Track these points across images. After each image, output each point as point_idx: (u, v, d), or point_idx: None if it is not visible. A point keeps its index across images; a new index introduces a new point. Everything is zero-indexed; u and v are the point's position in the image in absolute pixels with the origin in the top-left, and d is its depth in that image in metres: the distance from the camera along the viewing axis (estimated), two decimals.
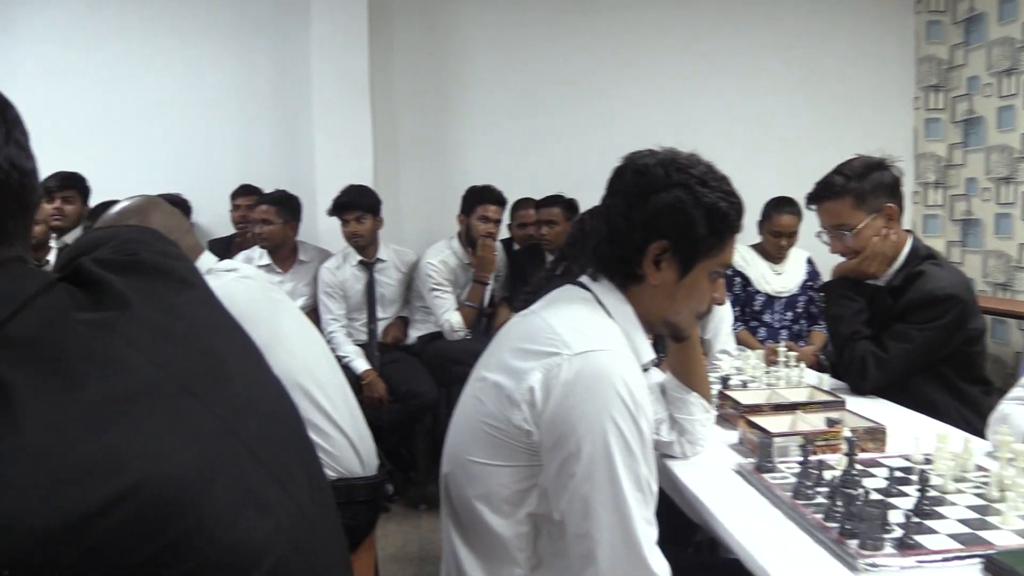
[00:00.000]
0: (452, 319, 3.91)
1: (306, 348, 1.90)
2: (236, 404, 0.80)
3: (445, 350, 3.89)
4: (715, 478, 1.64)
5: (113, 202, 3.00)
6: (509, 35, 4.97)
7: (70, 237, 3.88)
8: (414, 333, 4.11)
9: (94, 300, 0.77)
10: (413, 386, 3.78)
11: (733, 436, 1.89)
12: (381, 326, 4.07)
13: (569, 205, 4.10)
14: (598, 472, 1.20)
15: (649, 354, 1.43)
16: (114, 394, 0.68)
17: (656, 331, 1.49)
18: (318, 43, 4.46)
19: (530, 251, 4.26)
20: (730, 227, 1.41)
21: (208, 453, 0.73)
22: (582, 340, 1.27)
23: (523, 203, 4.46)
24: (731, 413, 1.98)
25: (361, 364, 3.84)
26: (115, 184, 4.10)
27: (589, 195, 4.15)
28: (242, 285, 1.80)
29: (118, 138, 4.72)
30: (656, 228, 1.38)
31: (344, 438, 1.91)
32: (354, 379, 3.70)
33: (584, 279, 1.48)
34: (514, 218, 4.48)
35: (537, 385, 1.25)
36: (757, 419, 1.80)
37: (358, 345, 3.94)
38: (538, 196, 4.32)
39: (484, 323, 4.13)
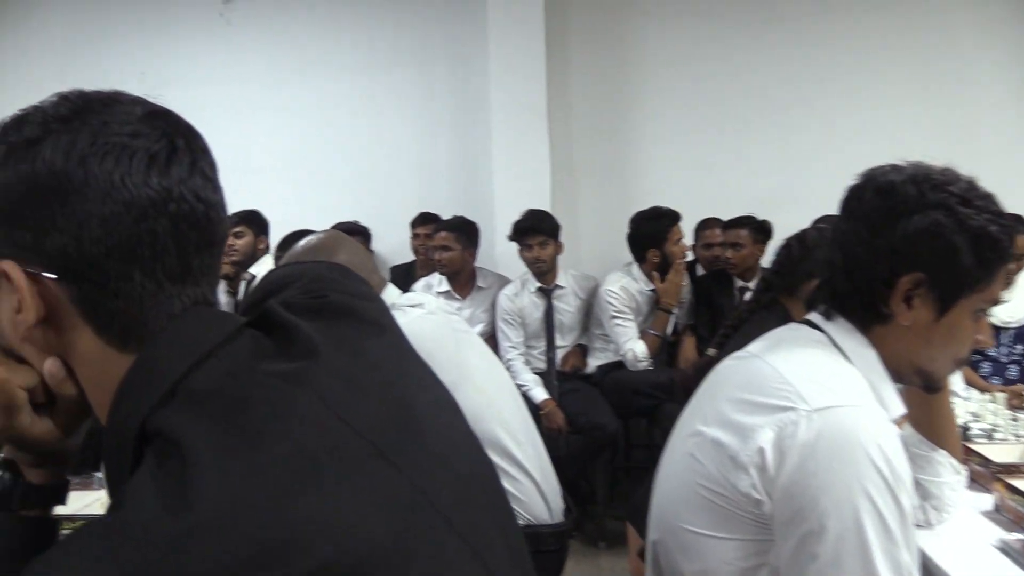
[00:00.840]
0: (636, 348, 3.72)
1: (492, 384, 1.80)
2: (431, 466, 0.70)
3: (627, 380, 3.71)
4: (972, 555, 1.38)
5: (303, 232, 3.05)
6: (691, 50, 4.75)
7: (257, 268, 4.01)
8: (593, 362, 3.96)
9: (282, 348, 0.71)
10: (593, 417, 3.63)
11: (984, 500, 1.60)
12: (560, 354, 3.95)
13: (760, 227, 3.82)
14: (848, 557, 1.00)
15: (899, 409, 1.19)
16: (299, 457, 0.61)
17: (905, 381, 1.25)
18: (496, 68, 4.43)
19: (716, 276, 4.01)
20: (1001, 255, 1.16)
21: (402, 527, 0.63)
22: (822, 393, 1.07)
23: (709, 223, 4.23)
24: (979, 472, 1.68)
25: (540, 393, 3.73)
26: (296, 215, 4.25)
27: (781, 216, 3.93)
28: (428, 322, 1.72)
29: (299, 170, 4.90)
30: (908, 258, 1.15)
31: (531, 482, 1.79)
32: (532, 408, 3.59)
33: (814, 317, 1.26)
34: (699, 238, 4.27)
35: (768, 446, 1.05)
36: (1017, 482, 1.51)
37: (536, 373, 3.84)
38: (724, 217, 4.07)
39: (667, 353, 3.92)
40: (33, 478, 0.81)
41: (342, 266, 1.01)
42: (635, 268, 3.89)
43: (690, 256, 4.21)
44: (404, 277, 4.31)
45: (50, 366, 0.70)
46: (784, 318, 1.86)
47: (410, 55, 4.89)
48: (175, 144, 0.70)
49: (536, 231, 3.79)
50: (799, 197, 4.43)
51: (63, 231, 0.65)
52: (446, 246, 3.95)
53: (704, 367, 1.91)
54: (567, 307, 3.96)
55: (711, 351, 1.96)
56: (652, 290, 3.83)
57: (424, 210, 4.61)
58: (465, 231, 4.01)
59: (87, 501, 1.56)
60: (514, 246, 3.89)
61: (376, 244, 4.71)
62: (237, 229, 4.07)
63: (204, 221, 0.70)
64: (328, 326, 0.76)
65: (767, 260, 3.78)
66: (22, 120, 0.70)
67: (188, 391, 0.65)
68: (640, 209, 3.92)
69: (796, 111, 4.69)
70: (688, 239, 4.05)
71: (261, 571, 0.55)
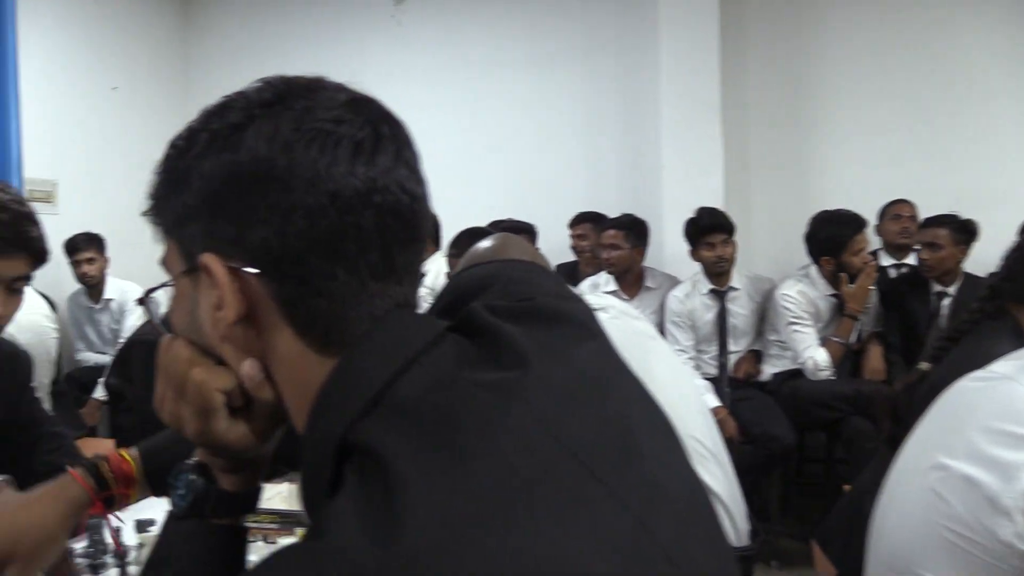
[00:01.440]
0: (817, 356, 3.47)
1: (680, 398, 1.67)
2: (650, 493, 0.60)
3: (806, 390, 3.48)
4: None
5: (476, 230, 3.02)
6: (877, 38, 4.40)
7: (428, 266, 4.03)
8: (768, 369, 3.74)
9: (488, 355, 0.64)
10: (768, 427, 3.42)
11: None
12: (732, 359, 3.75)
13: (962, 227, 3.47)
14: None
15: None
16: (512, 483, 0.54)
17: None
18: (667, 60, 4.26)
19: (910, 280, 3.69)
20: None
21: (621, 564, 0.54)
22: None
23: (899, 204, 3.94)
24: None
25: (711, 400, 3.55)
26: (460, 213, 4.25)
27: (983, 215, 3.56)
28: (614, 328, 1.61)
29: (464, 168, 4.90)
30: None
31: (720, 504, 1.65)
32: None
33: None
34: (885, 216, 4.01)
35: None
36: None
37: (707, 379, 3.66)
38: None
39: (850, 362, 3.64)
40: (226, 484, 0.78)
41: (543, 267, 0.93)
42: (813, 271, 3.63)
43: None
44: (568, 277, 4.23)
45: (249, 368, 0.66)
46: (1016, 330, 1.62)
47: (576, 49, 4.82)
48: (379, 132, 0.64)
49: (719, 229, 3.64)
50: (1005, 195, 4.03)
51: (266, 223, 0.61)
52: (615, 244, 3.84)
53: (915, 384, 1.70)
54: (740, 310, 3.76)
55: (923, 365, 1.74)
56: (833, 295, 3.56)
57: (589, 208, 4.51)
58: (634, 229, 3.89)
59: (268, 495, 1.57)
60: (684, 246, 3.72)
61: (540, 243, 4.65)
62: None
63: (409, 215, 0.65)
64: (536, 332, 0.68)
65: (974, 264, 3.45)
66: (226, 106, 0.66)
67: (393, 402, 0.59)
68: (820, 209, 3.66)
69: (999, 101, 4.25)
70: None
71: None
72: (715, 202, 3.96)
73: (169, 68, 5.48)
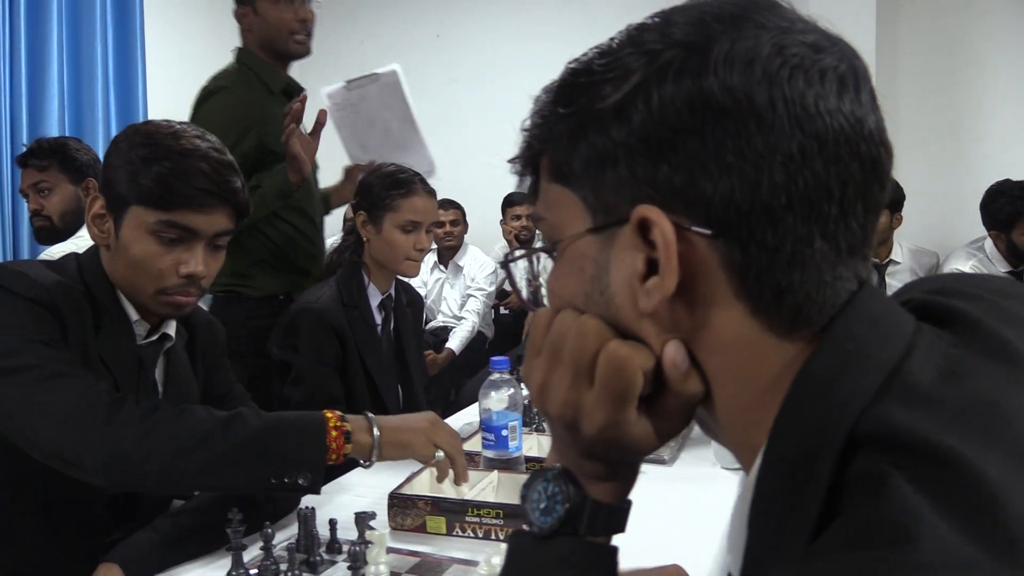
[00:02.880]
0: None
1: None
2: None
3: None
4: None
5: None
6: None
7: None
8: None
9: (967, 343, 0.50)
10: None
11: None
12: None
13: None
14: None
15: None
16: None
17: None
18: (820, 17, 3.96)
19: None
20: None
21: None
22: None
23: None
24: None
25: None
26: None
27: None
28: None
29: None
30: None
31: None
32: None
33: None
34: None
35: None
36: None
37: None
38: None
39: None
40: (597, 495, 0.61)
41: None
42: (988, 244, 3.33)
43: None
44: None
45: (674, 351, 0.53)
46: None
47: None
48: (857, 68, 0.51)
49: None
50: None
51: (732, 171, 0.48)
52: None
53: None
54: (900, 285, 3.49)
55: None
56: (1011, 271, 3.26)
57: None
58: None
59: (481, 487, 1.42)
60: None
61: None
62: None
63: (887, 175, 0.52)
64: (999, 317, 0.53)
65: None
66: (667, 20, 0.52)
67: (908, 386, 0.46)
68: (978, 181, 3.35)
69: None
70: None
71: None
72: None
73: None
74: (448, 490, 1.42)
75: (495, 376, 1.52)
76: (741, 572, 0.51)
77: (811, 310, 0.50)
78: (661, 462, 1.65)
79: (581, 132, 0.53)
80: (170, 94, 4.38)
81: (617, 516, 0.62)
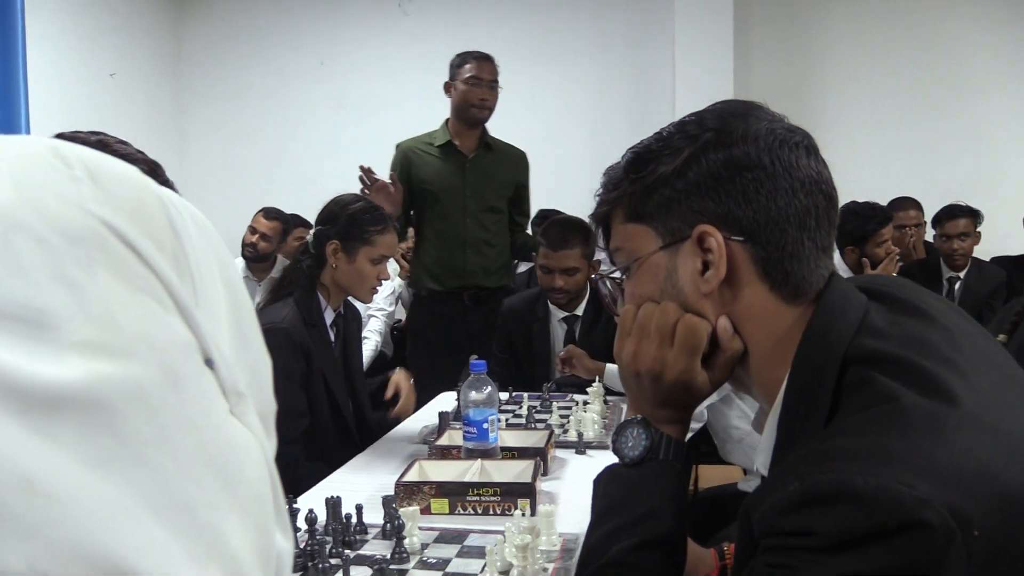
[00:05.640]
0: None
1: None
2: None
3: None
4: None
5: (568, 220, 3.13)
6: (877, 39, 4.66)
7: None
8: None
9: (896, 308, 0.81)
10: None
11: None
12: None
13: (977, 215, 3.72)
14: None
15: None
16: (995, 378, 0.74)
17: None
18: (682, 58, 4.42)
19: (923, 266, 3.92)
20: None
21: None
22: None
23: (953, 211, 3.91)
24: None
25: None
26: None
27: (979, 204, 3.84)
28: None
29: None
30: None
31: None
32: None
33: None
34: (939, 227, 3.98)
35: None
36: None
37: None
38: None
39: None
40: (668, 432, 0.91)
41: None
42: (836, 257, 3.83)
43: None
44: None
45: (724, 322, 0.84)
46: None
47: (588, 44, 4.92)
48: (812, 143, 0.85)
49: None
50: (994, 184, 4.32)
51: (752, 202, 0.80)
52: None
53: None
54: None
55: (1001, 337, 1.90)
56: None
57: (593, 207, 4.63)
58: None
59: (466, 470, 1.63)
60: None
61: None
62: None
63: (836, 206, 0.85)
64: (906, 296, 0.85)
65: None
66: (701, 117, 0.85)
67: (872, 329, 0.76)
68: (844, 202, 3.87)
69: (994, 97, 4.58)
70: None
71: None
72: None
73: (162, 54, 5.37)
74: (440, 476, 1.62)
75: (472, 377, 1.74)
76: (772, 458, 0.79)
77: (805, 287, 0.81)
78: (607, 447, 1.91)
79: (652, 187, 0.84)
80: (55, 123, 4.31)
81: (680, 447, 0.92)
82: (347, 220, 2.13)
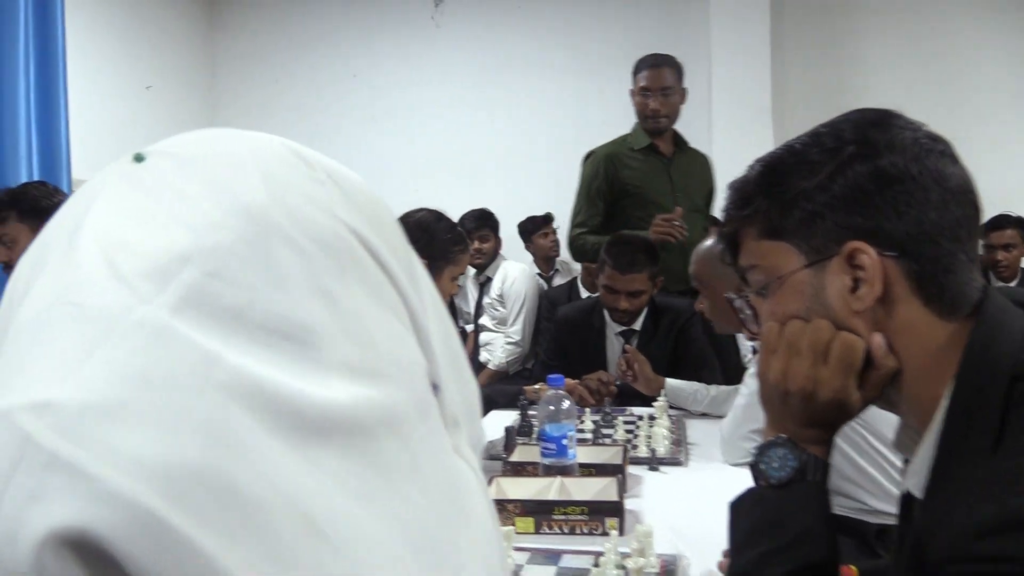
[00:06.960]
0: None
1: None
2: None
3: None
4: None
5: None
6: (912, 48, 4.64)
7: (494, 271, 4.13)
8: None
9: None
10: None
11: None
12: None
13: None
14: None
15: None
16: None
17: None
18: (719, 66, 4.42)
19: None
20: None
21: None
22: None
23: (1001, 221, 3.87)
24: None
25: None
26: (513, 213, 4.33)
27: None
28: None
29: (504, 170, 4.98)
30: None
31: None
32: None
33: None
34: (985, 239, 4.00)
35: None
36: None
37: None
38: None
39: None
40: (814, 453, 0.87)
41: None
42: None
43: None
44: None
45: (879, 339, 0.79)
46: None
47: (621, 54, 4.89)
48: (954, 151, 0.81)
49: None
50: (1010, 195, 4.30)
51: (904, 216, 0.77)
52: None
53: None
54: None
55: None
56: None
57: None
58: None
59: (543, 487, 1.61)
60: None
61: None
62: (483, 232, 4.12)
63: (980, 215, 0.81)
64: None
65: None
66: (836, 127, 0.82)
67: None
68: None
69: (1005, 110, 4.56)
70: None
71: None
72: None
73: (196, 68, 5.41)
74: (519, 494, 1.60)
75: (551, 392, 1.72)
76: (930, 478, 0.77)
77: (961, 300, 0.78)
78: (678, 463, 1.90)
79: (792, 202, 0.81)
80: (94, 136, 4.35)
81: (826, 468, 0.88)
82: (432, 240, 2.11)
